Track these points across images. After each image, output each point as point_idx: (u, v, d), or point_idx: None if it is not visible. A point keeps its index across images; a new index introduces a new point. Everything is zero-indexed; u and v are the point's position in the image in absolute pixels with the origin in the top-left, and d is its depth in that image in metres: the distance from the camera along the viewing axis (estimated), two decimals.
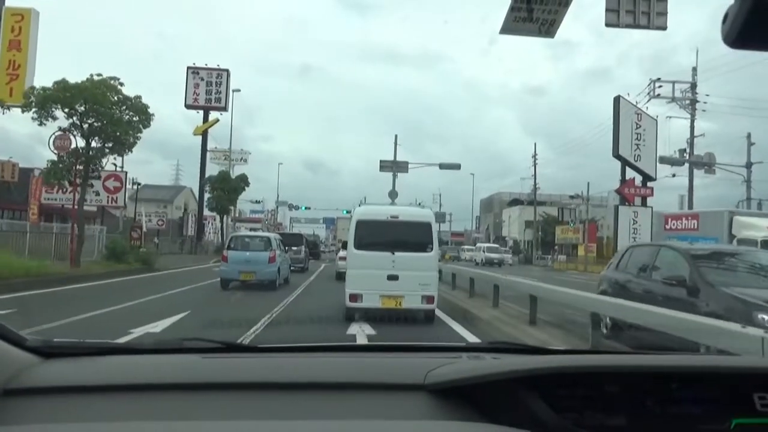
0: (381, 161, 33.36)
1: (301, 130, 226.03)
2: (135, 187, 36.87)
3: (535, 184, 58.98)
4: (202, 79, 52.68)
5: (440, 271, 12.80)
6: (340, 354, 1.85)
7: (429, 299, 9.85)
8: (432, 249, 10.15)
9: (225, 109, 53.86)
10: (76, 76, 19.26)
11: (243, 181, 39.31)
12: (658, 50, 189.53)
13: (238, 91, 49.16)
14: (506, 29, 8.13)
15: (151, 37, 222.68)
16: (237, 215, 55.51)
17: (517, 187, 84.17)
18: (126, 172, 28.85)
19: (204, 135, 51.70)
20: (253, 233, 23.77)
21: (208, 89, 52.65)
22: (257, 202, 57.85)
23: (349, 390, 1.37)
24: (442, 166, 33.36)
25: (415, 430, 1.19)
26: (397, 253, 9.85)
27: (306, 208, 69.45)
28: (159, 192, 71.92)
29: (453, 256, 54.60)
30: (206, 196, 38.43)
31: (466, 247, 62.41)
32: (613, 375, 1.35)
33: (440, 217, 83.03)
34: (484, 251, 50.42)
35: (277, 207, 71.50)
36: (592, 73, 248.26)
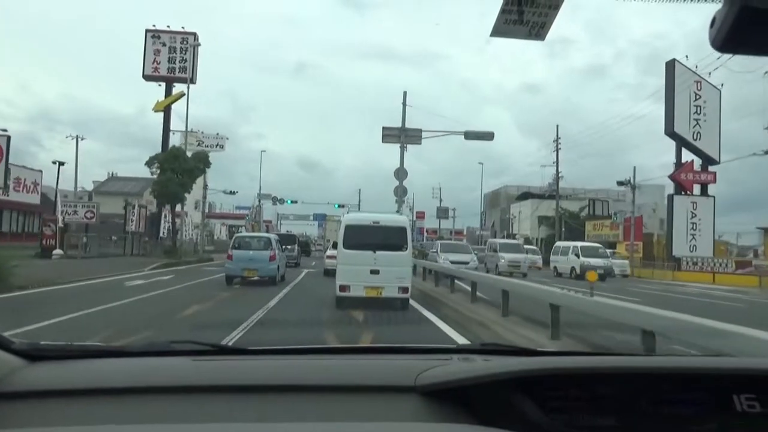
0: (384, 128, 23.76)
1: (294, 127, 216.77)
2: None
3: (557, 172, 49.61)
4: (164, 44, 42.91)
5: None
6: (330, 356, 1.78)
7: (404, 290, 11.42)
8: (407, 248, 11.86)
9: (192, 81, 44.23)
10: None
11: (201, 161, 29.47)
12: (655, 49, 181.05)
13: (199, 45, 39.15)
14: (497, 32, 6.70)
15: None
16: (206, 209, 45.35)
17: (525, 181, 75.42)
18: (9, 137, 18.95)
19: (166, 112, 42.06)
20: (255, 234, 24.50)
21: (171, 56, 42.88)
22: (231, 192, 48.19)
23: (340, 392, 1.33)
24: (468, 136, 23.79)
25: (406, 431, 1.16)
26: (378, 252, 11.40)
27: (292, 201, 59.80)
28: (127, 184, 61.97)
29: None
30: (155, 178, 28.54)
31: (528, 246, 41.22)
32: (604, 376, 1.31)
33: (443, 213, 73.85)
34: (578, 254, 29.19)
35: (260, 201, 61.58)
36: (589, 71, 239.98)
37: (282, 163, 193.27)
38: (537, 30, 6.91)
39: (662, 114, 36.11)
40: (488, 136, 24.05)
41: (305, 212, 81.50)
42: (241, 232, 77.93)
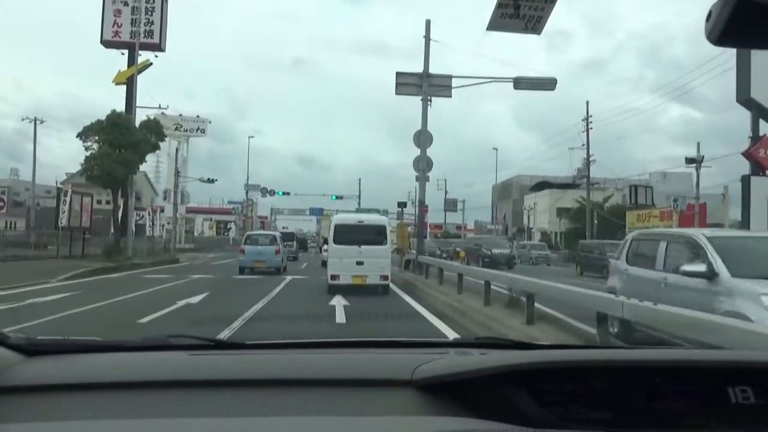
0: (399, 74, 16.24)
1: (292, 124, 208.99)
2: None
3: (588, 155, 42.23)
4: (126, 4, 35.33)
5: None
6: (327, 350, 1.70)
7: (384, 277, 13.12)
8: (386, 243, 13.66)
9: (161, 47, 36.75)
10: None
11: (152, 131, 21.76)
12: (655, 41, 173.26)
13: None
14: (493, 26, 7.70)
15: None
16: (179, 200, 37.66)
17: (537, 170, 68.08)
18: None
19: (130, 85, 34.56)
20: (263, 232, 26.35)
21: (135, 18, 35.29)
22: (209, 180, 40.50)
23: (336, 386, 1.32)
24: (519, 84, 16.30)
25: (403, 425, 1.14)
26: (362, 246, 13.06)
27: (284, 193, 52.26)
28: None
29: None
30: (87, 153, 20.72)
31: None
32: (599, 369, 1.29)
33: (450, 205, 66.38)
34: None
35: (248, 192, 53.98)
36: (587, 64, 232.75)
37: (280, 160, 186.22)
38: (533, 24, 7.90)
39: (664, 108, 28.69)
40: (548, 83, 16.56)
41: (301, 206, 74.26)
42: (230, 228, 70.48)
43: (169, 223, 46.44)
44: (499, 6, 7.93)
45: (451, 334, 7.76)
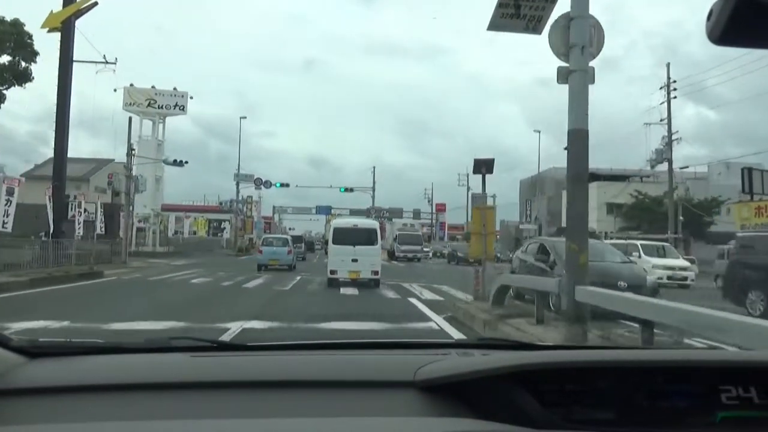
0: None
1: (302, 124, 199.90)
2: None
3: (670, 133, 31.96)
4: None
5: None
6: (329, 351, 1.66)
7: (375, 272, 15.70)
8: (377, 243, 16.30)
9: None
10: None
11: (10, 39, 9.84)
12: (669, 38, 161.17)
13: None
14: (494, 25, 7.43)
15: (149, 30, 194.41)
16: (133, 187, 27.44)
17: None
18: None
19: (66, 30, 24.85)
20: (276, 235, 30.15)
21: None
22: (176, 162, 30.69)
23: (338, 387, 1.29)
24: None
25: (405, 426, 1.13)
26: (356, 246, 15.45)
27: (282, 185, 42.37)
28: (72, 167, 44.87)
29: None
30: None
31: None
32: (601, 370, 1.27)
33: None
34: None
35: (238, 184, 44.04)
36: (600, 62, 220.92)
37: (290, 161, 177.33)
38: (534, 24, 7.29)
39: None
40: None
41: (307, 204, 64.93)
42: (225, 228, 60.98)
43: (141, 221, 36.79)
44: (499, 6, 7.63)
45: None
